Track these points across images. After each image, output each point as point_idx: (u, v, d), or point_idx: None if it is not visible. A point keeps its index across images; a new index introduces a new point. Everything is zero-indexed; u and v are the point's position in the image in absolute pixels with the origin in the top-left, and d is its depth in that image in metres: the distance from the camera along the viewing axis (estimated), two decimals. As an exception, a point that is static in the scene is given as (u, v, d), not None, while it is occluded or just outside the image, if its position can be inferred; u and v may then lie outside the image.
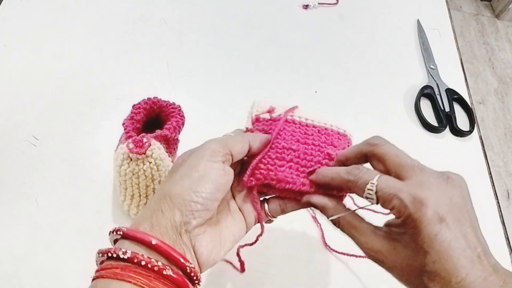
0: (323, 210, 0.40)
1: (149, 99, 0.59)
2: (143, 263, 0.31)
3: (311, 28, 0.86)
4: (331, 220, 0.39)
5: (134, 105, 0.58)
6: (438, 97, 0.79)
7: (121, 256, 0.31)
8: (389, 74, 0.82)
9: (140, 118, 0.58)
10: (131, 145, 0.51)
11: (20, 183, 0.60)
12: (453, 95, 0.79)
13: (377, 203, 0.36)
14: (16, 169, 0.61)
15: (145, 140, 0.52)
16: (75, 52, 0.75)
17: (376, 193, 0.35)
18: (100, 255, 0.34)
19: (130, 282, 0.30)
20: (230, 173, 0.39)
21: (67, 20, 0.79)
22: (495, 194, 0.70)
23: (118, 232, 0.35)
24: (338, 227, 0.39)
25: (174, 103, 0.60)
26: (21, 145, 0.63)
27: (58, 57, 0.74)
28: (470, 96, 0.81)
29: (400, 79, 0.82)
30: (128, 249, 0.32)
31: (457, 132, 0.75)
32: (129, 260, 0.31)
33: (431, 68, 0.83)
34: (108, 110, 0.69)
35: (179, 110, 0.60)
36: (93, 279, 0.33)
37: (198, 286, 0.35)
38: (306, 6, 0.89)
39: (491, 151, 1.85)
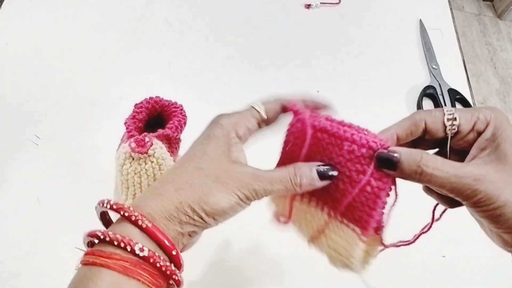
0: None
1: (151, 98, 0.59)
2: (158, 265, 0.30)
3: (313, 28, 0.86)
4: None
5: (136, 105, 0.58)
6: (440, 97, 0.79)
7: (137, 252, 0.30)
8: (391, 74, 0.82)
9: (142, 118, 0.58)
10: (133, 144, 0.51)
11: (22, 182, 0.60)
12: (455, 95, 0.79)
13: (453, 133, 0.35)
14: (18, 168, 0.61)
15: (147, 139, 0.52)
16: (77, 51, 0.75)
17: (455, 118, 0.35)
18: (102, 237, 0.31)
19: (139, 280, 0.30)
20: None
21: (69, 20, 0.79)
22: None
23: (128, 215, 0.31)
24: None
25: (176, 103, 0.60)
26: (23, 144, 0.63)
27: (60, 56, 0.74)
28: (472, 96, 0.81)
29: (402, 79, 0.82)
30: (141, 243, 0.30)
31: (459, 132, 0.75)
32: (143, 258, 0.30)
33: (433, 68, 0.83)
34: (110, 110, 0.69)
35: (181, 109, 0.60)
36: (93, 264, 0.30)
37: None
38: (308, 6, 0.88)
39: (493, 151, 1.85)
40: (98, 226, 0.58)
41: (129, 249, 0.30)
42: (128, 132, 0.55)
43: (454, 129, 0.35)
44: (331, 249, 0.38)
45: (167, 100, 0.60)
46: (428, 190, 0.38)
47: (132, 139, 0.52)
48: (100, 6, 0.82)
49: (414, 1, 0.95)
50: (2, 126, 0.65)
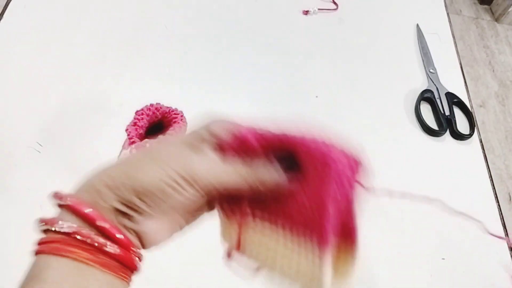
0: None
1: (151, 105, 0.60)
2: (88, 240, 0.27)
3: (311, 34, 0.87)
4: None
5: (137, 111, 0.59)
6: (438, 101, 0.79)
7: (58, 229, 0.28)
8: (389, 79, 0.83)
9: (143, 124, 0.58)
10: (134, 151, 0.52)
11: (25, 189, 0.61)
12: (453, 98, 0.80)
13: None
14: (21, 175, 0.62)
15: (148, 145, 0.53)
16: (79, 59, 0.76)
17: None
18: (43, 224, 0.30)
19: (70, 257, 0.27)
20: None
21: (70, 27, 0.80)
22: (496, 197, 0.70)
23: (61, 201, 0.30)
24: None
25: (176, 109, 0.61)
26: (26, 151, 0.64)
27: (61, 64, 0.75)
28: (470, 100, 0.82)
29: (400, 83, 0.82)
30: (71, 222, 0.28)
31: (457, 136, 0.76)
32: (67, 234, 0.28)
33: (431, 72, 0.84)
34: (111, 116, 0.69)
35: (182, 116, 0.60)
36: (36, 253, 0.29)
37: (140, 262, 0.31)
38: (306, 12, 0.89)
39: (492, 154, 1.86)
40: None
41: (53, 229, 0.28)
42: (130, 138, 0.55)
43: None
44: (295, 272, 0.31)
45: (168, 107, 0.61)
46: None
47: (133, 146, 0.53)
48: (100, 14, 0.83)
49: (411, 6, 0.96)
50: (4, 134, 0.66)
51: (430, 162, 0.72)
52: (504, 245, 0.66)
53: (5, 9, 0.80)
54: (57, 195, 0.30)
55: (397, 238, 0.64)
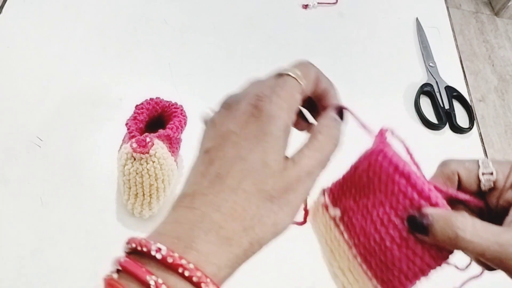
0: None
1: (151, 99, 0.60)
2: None
3: (311, 28, 0.87)
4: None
5: (137, 105, 0.59)
6: (438, 94, 0.79)
7: None
8: (388, 72, 0.83)
9: (143, 118, 0.59)
10: (135, 145, 0.52)
11: (25, 183, 0.61)
12: (452, 92, 0.80)
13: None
14: (21, 169, 0.62)
15: (148, 139, 0.53)
16: (78, 53, 0.76)
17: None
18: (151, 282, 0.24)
19: None
20: None
21: (69, 21, 0.80)
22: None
23: (188, 275, 0.24)
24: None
25: (176, 103, 0.61)
26: (26, 145, 0.64)
27: (61, 58, 0.75)
28: (469, 94, 0.82)
29: (399, 77, 0.82)
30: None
31: (457, 129, 0.76)
32: None
33: (430, 66, 0.84)
34: (111, 111, 0.69)
35: (182, 109, 0.60)
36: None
37: None
38: (305, 6, 0.89)
39: (492, 148, 1.86)
40: (100, 227, 0.59)
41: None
42: (130, 132, 0.55)
43: (490, 185, 0.31)
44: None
45: (168, 101, 0.61)
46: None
47: (133, 140, 0.53)
48: (100, 8, 0.82)
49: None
50: (4, 128, 0.66)
51: (429, 156, 0.71)
52: None
53: (5, 2, 0.80)
54: (182, 266, 0.24)
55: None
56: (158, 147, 0.53)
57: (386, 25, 0.90)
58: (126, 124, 0.57)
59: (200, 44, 0.81)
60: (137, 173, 0.54)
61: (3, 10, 0.79)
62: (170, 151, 0.56)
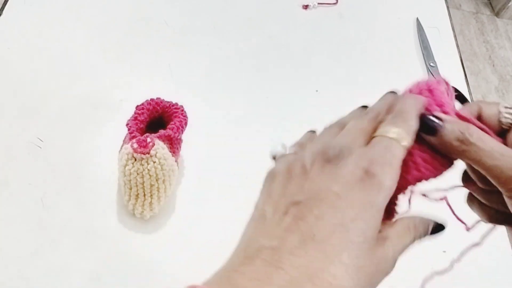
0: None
1: (152, 99, 0.60)
2: None
3: (311, 28, 0.87)
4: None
5: (137, 106, 0.59)
6: (438, 94, 0.79)
7: None
8: (389, 72, 0.83)
9: (144, 119, 0.59)
10: (135, 145, 0.52)
11: (26, 184, 0.61)
12: (453, 92, 0.80)
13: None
14: (22, 171, 0.62)
15: (149, 140, 0.53)
16: (79, 54, 0.76)
17: None
18: None
19: None
20: None
21: (70, 22, 0.80)
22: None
23: None
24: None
25: (177, 104, 0.61)
26: (26, 146, 0.64)
27: (61, 59, 0.75)
28: (470, 93, 0.82)
29: (400, 77, 0.82)
30: None
31: (458, 129, 0.76)
32: None
33: (431, 66, 0.84)
34: (112, 111, 0.69)
35: (182, 110, 0.60)
36: None
37: None
38: (306, 6, 0.89)
39: (492, 148, 1.85)
40: (101, 228, 0.58)
41: None
42: (130, 133, 0.55)
43: (510, 120, 0.31)
44: None
45: (168, 101, 0.61)
46: (471, 200, 0.35)
47: (134, 140, 0.53)
48: (100, 9, 0.83)
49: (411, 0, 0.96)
50: (5, 129, 0.66)
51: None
52: (505, 237, 0.66)
53: (5, 4, 0.80)
54: None
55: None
56: (159, 147, 0.53)
57: (386, 25, 0.90)
58: (127, 124, 0.57)
59: (201, 44, 0.81)
60: (137, 174, 0.53)
61: (4, 11, 0.79)
62: (170, 152, 0.56)
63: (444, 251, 0.64)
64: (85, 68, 0.74)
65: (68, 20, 0.80)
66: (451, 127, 0.28)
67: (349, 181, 0.25)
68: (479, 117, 0.32)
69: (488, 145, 0.28)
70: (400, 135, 0.27)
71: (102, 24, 0.81)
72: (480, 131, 0.29)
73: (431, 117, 0.29)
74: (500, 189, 0.29)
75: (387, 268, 0.26)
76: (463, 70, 0.86)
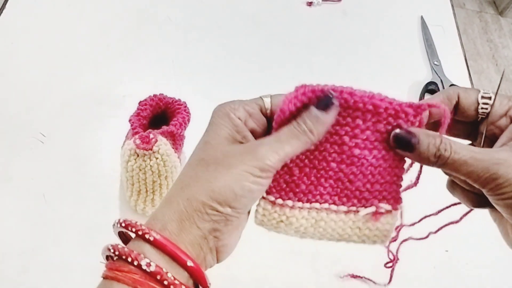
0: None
1: (155, 95, 0.60)
2: (165, 282, 0.28)
3: (315, 25, 0.86)
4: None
5: (140, 102, 0.59)
6: (442, 93, 0.79)
7: (144, 267, 0.28)
8: (393, 70, 0.82)
9: (147, 115, 0.58)
10: (138, 141, 0.52)
11: (28, 179, 0.61)
12: (457, 91, 0.80)
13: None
14: (24, 166, 0.62)
15: (151, 136, 0.52)
16: (82, 50, 0.76)
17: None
18: (113, 251, 0.30)
19: None
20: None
21: (73, 18, 0.80)
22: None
23: (135, 230, 0.30)
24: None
25: (179, 100, 0.61)
26: (29, 142, 0.64)
27: (64, 55, 0.75)
28: (474, 92, 0.81)
29: (404, 75, 0.82)
30: (151, 259, 0.29)
31: (461, 128, 0.75)
32: (150, 274, 0.28)
33: (435, 64, 0.83)
34: (114, 107, 0.69)
35: (185, 106, 0.60)
36: (106, 277, 0.30)
37: None
38: (310, 3, 0.89)
39: (495, 148, 1.85)
40: (103, 223, 0.58)
41: (135, 264, 0.28)
42: (133, 129, 0.55)
43: (486, 108, 0.33)
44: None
45: (171, 98, 0.61)
46: (452, 187, 0.37)
47: (136, 136, 0.52)
48: (103, 5, 0.82)
49: (415, -2, 0.95)
50: (8, 124, 0.66)
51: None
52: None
53: (7, 0, 0.80)
54: (131, 225, 0.31)
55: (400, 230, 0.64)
56: (162, 143, 0.53)
57: (390, 23, 0.90)
58: (130, 120, 0.56)
59: (204, 41, 0.81)
60: (140, 170, 0.53)
61: (6, 6, 0.79)
62: (173, 148, 0.56)
63: (447, 251, 0.64)
64: (88, 64, 0.74)
65: (71, 15, 0.80)
66: (426, 145, 0.32)
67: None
68: (457, 104, 0.34)
69: (461, 154, 0.31)
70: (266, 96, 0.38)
71: (106, 20, 0.80)
72: (450, 141, 0.31)
73: (407, 134, 0.32)
74: (481, 189, 0.32)
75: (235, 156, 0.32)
76: (467, 68, 0.85)
